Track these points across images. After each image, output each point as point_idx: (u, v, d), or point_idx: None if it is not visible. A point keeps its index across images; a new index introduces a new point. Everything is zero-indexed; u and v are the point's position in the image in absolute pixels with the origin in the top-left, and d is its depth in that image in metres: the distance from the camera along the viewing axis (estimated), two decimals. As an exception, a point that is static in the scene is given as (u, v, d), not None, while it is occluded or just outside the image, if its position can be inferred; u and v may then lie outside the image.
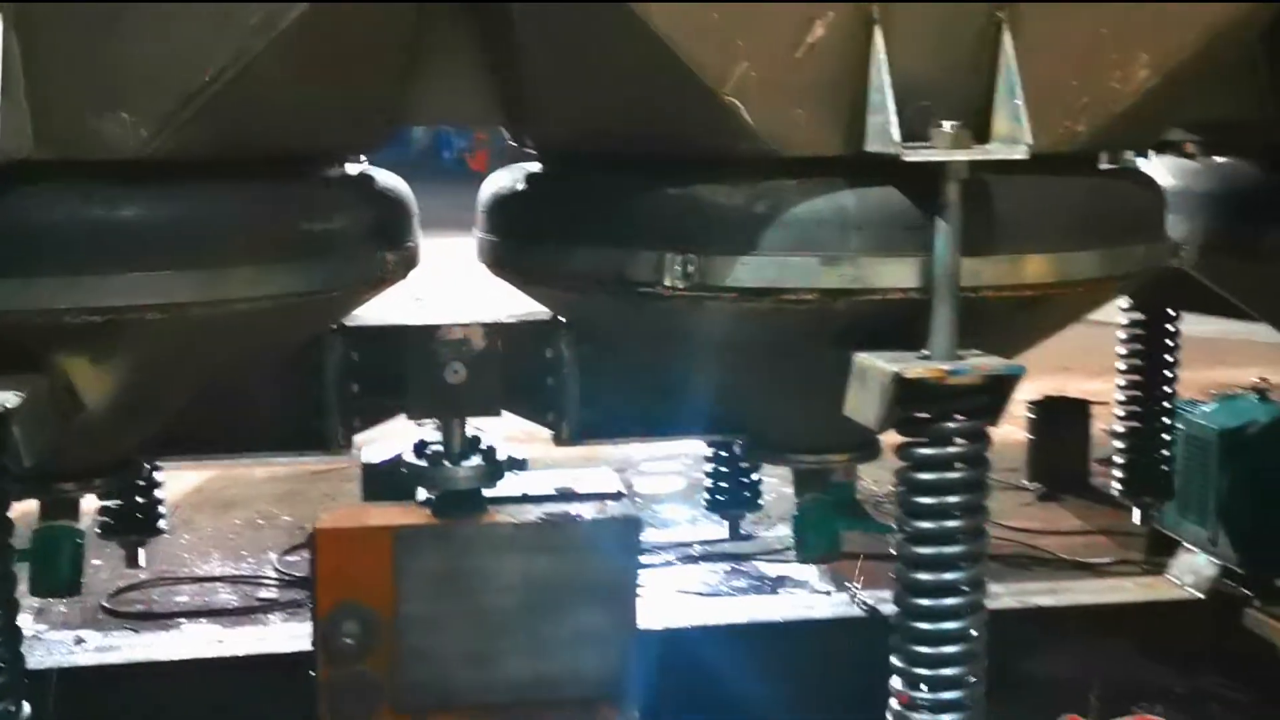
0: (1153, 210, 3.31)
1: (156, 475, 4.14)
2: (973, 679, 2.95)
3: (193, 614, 5.32)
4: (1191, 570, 4.84)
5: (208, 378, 3.19)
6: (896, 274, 2.85)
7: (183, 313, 2.77)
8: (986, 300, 2.91)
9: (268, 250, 2.85)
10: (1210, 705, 4.43)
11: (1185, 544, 4.94)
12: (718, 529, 6.11)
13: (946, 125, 2.72)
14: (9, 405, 2.52)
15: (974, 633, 2.94)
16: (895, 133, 2.70)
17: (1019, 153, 2.74)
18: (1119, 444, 4.79)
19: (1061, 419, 6.97)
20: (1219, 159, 3.91)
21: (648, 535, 6.37)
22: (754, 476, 4.63)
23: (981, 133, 2.79)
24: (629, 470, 7.31)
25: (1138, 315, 4.71)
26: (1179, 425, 4.83)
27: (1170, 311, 4.67)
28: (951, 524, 2.87)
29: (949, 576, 2.89)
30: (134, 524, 4.12)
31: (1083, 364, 7.04)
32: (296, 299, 2.91)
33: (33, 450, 2.62)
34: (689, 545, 6.16)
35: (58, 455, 3.06)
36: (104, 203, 2.70)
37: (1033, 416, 7.00)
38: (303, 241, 2.92)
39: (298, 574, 5.77)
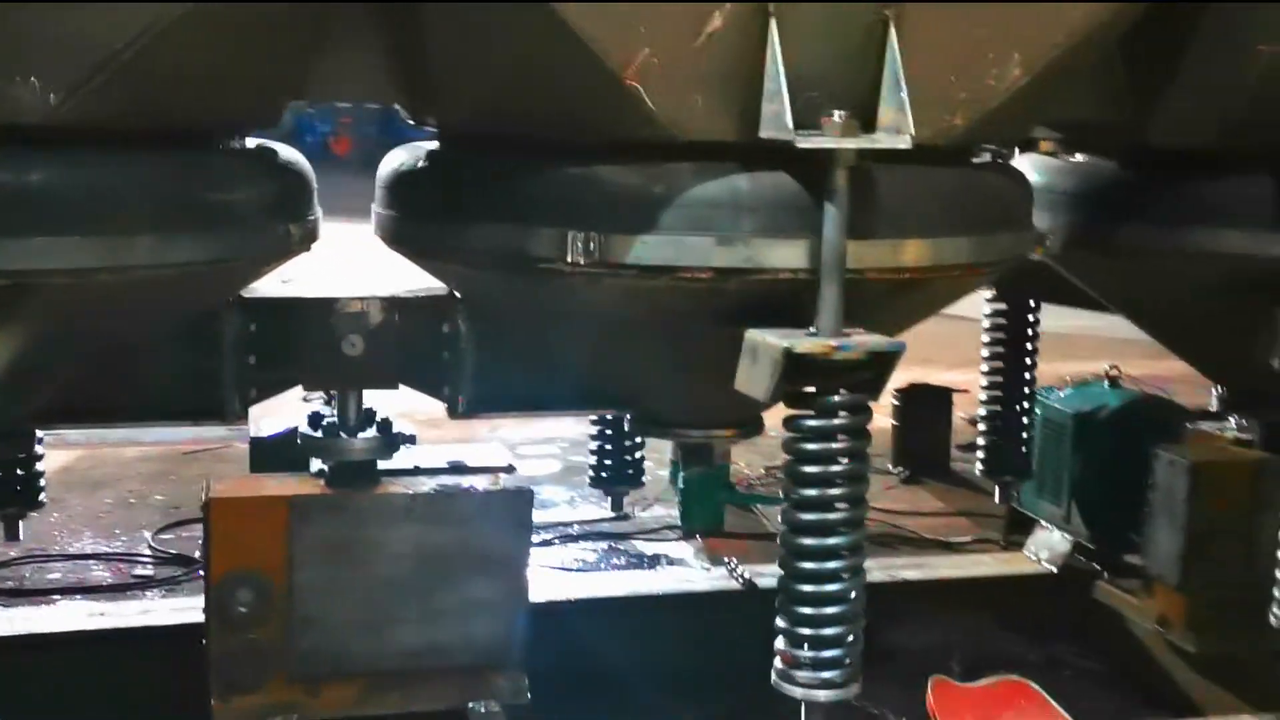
0: (1021, 203, 3.51)
1: (38, 449, 4.13)
2: (852, 639, 3.12)
3: (67, 590, 5.27)
4: (1047, 546, 5.11)
5: (106, 347, 3.21)
6: (786, 255, 3.00)
7: (89, 278, 2.79)
8: (869, 281, 3.08)
9: (173, 219, 2.88)
10: (1063, 671, 4.68)
11: (1041, 522, 5.21)
12: (596, 510, 6.30)
13: (836, 115, 2.87)
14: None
15: (854, 595, 3.11)
16: (789, 120, 2.84)
17: (903, 143, 2.90)
18: (981, 427, 5.03)
19: (925, 406, 7.24)
20: (1080, 157, 4.13)
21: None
22: (638, 455, 4.77)
23: (868, 123, 2.94)
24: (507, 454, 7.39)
25: (1001, 306, 4.95)
26: (1037, 410, 5.09)
27: (1031, 303, 4.93)
28: (834, 491, 3.04)
29: (831, 541, 3.05)
30: (14, 496, 4.09)
31: (944, 356, 7.31)
32: (201, 267, 2.95)
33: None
34: (568, 525, 6.27)
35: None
36: (11, 168, 2.72)
37: (898, 404, 7.25)
38: (208, 211, 2.96)
39: (173, 551, 5.75)
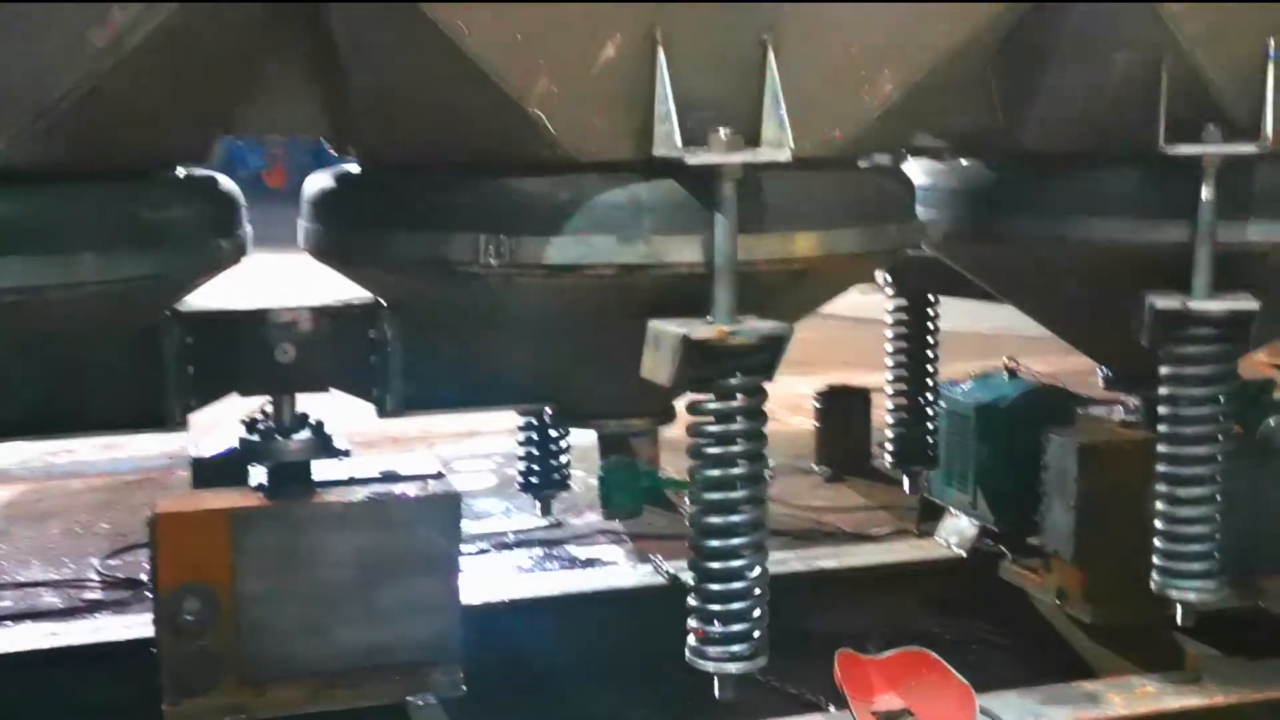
0: (903, 198, 3.79)
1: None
2: (758, 612, 3.38)
3: (18, 616, 5.42)
4: (956, 532, 5.40)
5: (56, 361, 3.42)
6: (684, 251, 3.23)
7: (40, 295, 3.01)
8: (762, 273, 3.34)
9: (113, 239, 3.10)
10: (973, 647, 4.96)
11: (950, 509, 5.50)
12: (531, 519, 6.52)
13: (722, 132, 3.14)
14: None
15: (758, 570, 3.37)
16: (678, 139, 3.10)
17: (783, 156, 3.15)
18: (889, 420, 5.33)
19: (845, 407, 7.53)
20: (964, 161, 4.44)
21: (466, 527, 6.68)
22: (563, 459, 5.03)
23: (754, 138, 3.22)
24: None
25: (902, 301, 5.26)
26: (941, 403, 5.39)
27: (930, 298, 5.23)
28: (735, 470, 3.28)
29: (734, 518, 3.30)
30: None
31: (864, 360, 7.63)
32: (142, 281, 3.17)
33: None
34: (504, 534, 6.49)
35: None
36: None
37: (819, 405, 7.55)
38: (144, 231, 3.18)
39: (121, 575, 5.92)
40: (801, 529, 6.46)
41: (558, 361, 3.75)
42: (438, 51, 3.07)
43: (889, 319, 5.29)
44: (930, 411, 5.31)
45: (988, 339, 8.03)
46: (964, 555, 5.31)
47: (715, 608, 3.35)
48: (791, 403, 8.39)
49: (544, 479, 4.97)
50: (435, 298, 3.59)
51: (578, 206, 3.25)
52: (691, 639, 3.40)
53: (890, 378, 5.33)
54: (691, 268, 3.25)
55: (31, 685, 4.45)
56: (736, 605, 3.35)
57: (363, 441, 4.34)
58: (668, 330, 3.19)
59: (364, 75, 3.35)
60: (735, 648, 3.36)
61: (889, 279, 5.25)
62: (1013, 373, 5.46)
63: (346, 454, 4.38)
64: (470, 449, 8.04)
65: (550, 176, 3.27)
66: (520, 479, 5.01)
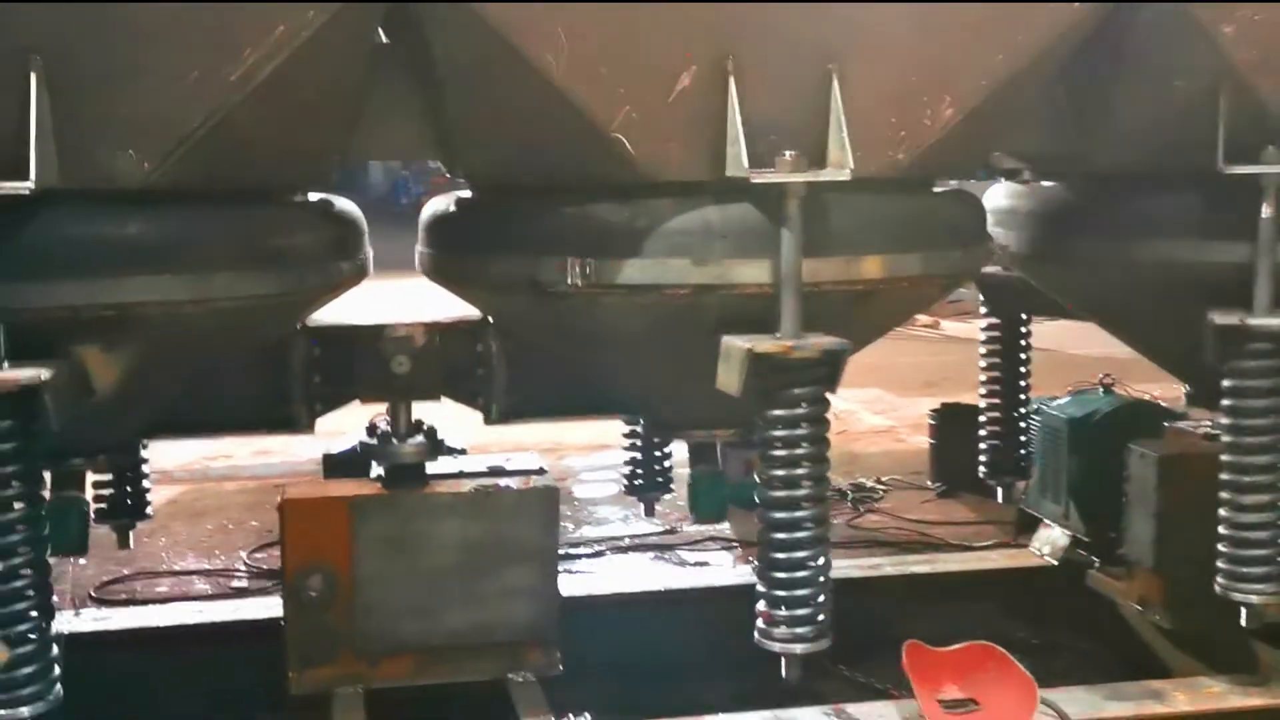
0: (970, 223, 4.03)
1: (144, 467, 4.80)
2: (821, 598, 3.64)
3: (172, 600, 5.93)
4: (1048, 542, 5.55)
5: (197, 368, 3.86)
6: (752, 272, 3.55)
7: (177, 309, 3.44)
8: (827, 293, 3.62)
9: (244, 260, 3.52)
10: (1060, 653, 5.11)
11: (1045, 520, 5.65)
12: (647, 525, 6.85)
13: (787, 154, 3.43)
14: (43, 377, 3.17)
15: (820, 561, 3.63)
16: (745, 161, 3.40)
17: (844, 176, 3.44)
18: (982, 433, 5.53)
19: (958, 425, 7.66)
20: (1045, 183, 4.64)
21: (586, 532, 7.06)
22: (666, 464, 5.33)
23: (820, 160, 3.51)
24: (569, 479, 7.99)
25: (995, 320, 5.46)
26: (1036, 417, 5.56)
27: (1022, 316, 5.42)
28: (800, 471, 3.56)
29: (799, 514, 3.58)
30: (125, 509, 4.76)
31: (953, 381, 7.75)
32: (269, 299, 3.58)
33: (59, 417, 3.27)
34: (620, 539, 6.83)
35: (69, 434, 3.73)
36: (114, 221, 3.37)
37: (933, 424, 7.71)
38: (273, 253, 3.60)
39: (265, 567, 6.40)
40: (906, 540, 6.65)
41: (643, 375, 4.07)
42: (529, 82, 3.43)
43: (982, 337, 5.49)
44: (1023, 426, 5.48)
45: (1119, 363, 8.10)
46: (1055, 564, 5.46)
47: (781, 594, 3.63)
48: (918, 422, 8.56)
49: (648, 482, 5.26)
50: (531, 315, 3.94)
51: (654, 231, 3.58)
52: (760, 622, 3.67)
53: (984, 393, 5.52)
54: (760, 288, 3.54)
55: (180, 656, 4.91)
56: (801, 592, 3.62)
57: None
58: (736, 345, 3.49)
59: (463, 104, 3.72)
60: (800, 630, 3.63)
61: (982, 300, 5.46)
62: (1108, 389, 5.59)
63: (462, 452, 4.78)
64: (598, 460, 8.39)
65: (630, 202, 3.59)
66: (625, 482, 5.31)
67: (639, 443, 5.25)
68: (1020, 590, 5.44)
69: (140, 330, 3.48)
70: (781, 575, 3.61)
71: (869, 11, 3.45)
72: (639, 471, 5.26)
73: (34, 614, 3.30)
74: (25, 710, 3.31)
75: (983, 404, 5.55)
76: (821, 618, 3.64)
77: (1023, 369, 5.47)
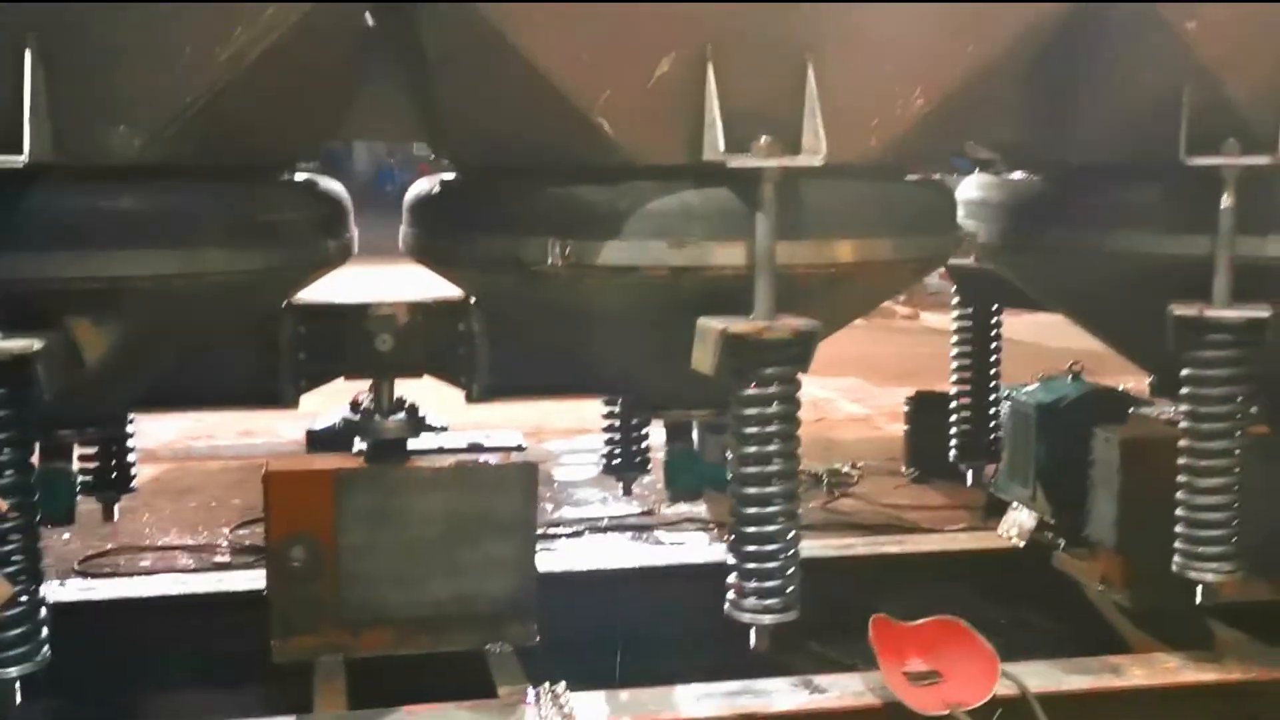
0: (941, 211, 4.15)
1: (130, 442, 4.89)
2: (790, 570, 3.75)
3: (155, 574, 6.02)
4: (1016, 524, 5.66)
5: (186, 342, 3.95)
6: (728, 255, 3.65)
7: (167, 283, 3.53)
8: (801, 276, 3.73)
9: (232, 235, 3.61)
10: (1025, 631, 5.24)
11: (1013, 504, 5.77)
12: (626, 508, 6.97)
13: (762, 139, 3.54)
14: (35, 347, 3.26)
15: (790, 535, 3.74)
16: (721, 144, 3.51)
17: (816, 161, 3.54)
18: (953, 419, 5.65)
19: (932, 412, 7.79)
20: (1016, 174, 4.76)
21: (565, 513, 7.17)
22: (644, 445, 5.44)
23: (795, 147, 3.62)
24: (549, 461, 8.10)
25: (966, 310, 5.58)
26: (1007, 403, 5.68)
27: (992, 308, 5.55)
28: (771, 448, 3.67)
29: (770, 489, 3.69)
30: (111, 483, 4.85)
31: (930, 371, 7.89)
32: (256, 274, 3.68)
33: (51, 388, 3.36)
34: (599, 520, 6.94)
35: (59, 406, 3.82)
36: (107, 195, 3.46)
37: (908, 411, 7.84)
38: (261, 229, 3.69)
39: (248, 543, 6.50)
40: (880, 523, 6.78)
41: (623, 354, 4.17)
42: (513, 67, 3.53)
43: (954, 325, 5.61)
44: (992, 412, 5.61)
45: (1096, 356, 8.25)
46: (1021, 546, 5.58)
47: (751, 566, 3.74)
48: (895, 411, 8.70)
49: (626, 462, 5.37)
50: (513, 295, 4.05)
51: (634, 213, 3.68)
52: (731, 594, 3.79)
53: (954, 380, 5.65)
54: (735, 270, 3.64)
55: (163, 625, 5.01)
56: (770, 565, 3.73)
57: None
58: (711, 325, 3.59)
59: (449, 86, 3.82)
60: (769, 601, 3.74)
61: (954, 289, 5.58)
62: (1076, 375, 5.71)
63: (444, 429, 4.88)
64: (579, 444, 8.49)
65: (611, 185, 3.69)
66: (604, 461, 5.42)
67: (617, 423, 5.38)
68: (988, 571, 5.56)
69: (129, 303, 3.57)
70: (752, 549, 3.72)
71: (845, 4, 3.56)
72: (617, 451, 5.38)
73: (23, 578, 3.39)
74: (13, 670, 3.41)
75: (953, 390, 5.67)
76: (790, 590, 3.76)
77: (993, 357, 5.61)
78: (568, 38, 3.49)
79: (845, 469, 8.01)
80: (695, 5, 3.49)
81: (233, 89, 3.43)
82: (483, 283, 4.15)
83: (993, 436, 5.65)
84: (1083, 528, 5.17)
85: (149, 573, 6.04)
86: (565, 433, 8.74)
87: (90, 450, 4.77)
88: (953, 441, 5.70)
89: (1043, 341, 9.58)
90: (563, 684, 4.03)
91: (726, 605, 3.80)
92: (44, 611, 3.52)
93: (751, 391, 3.66)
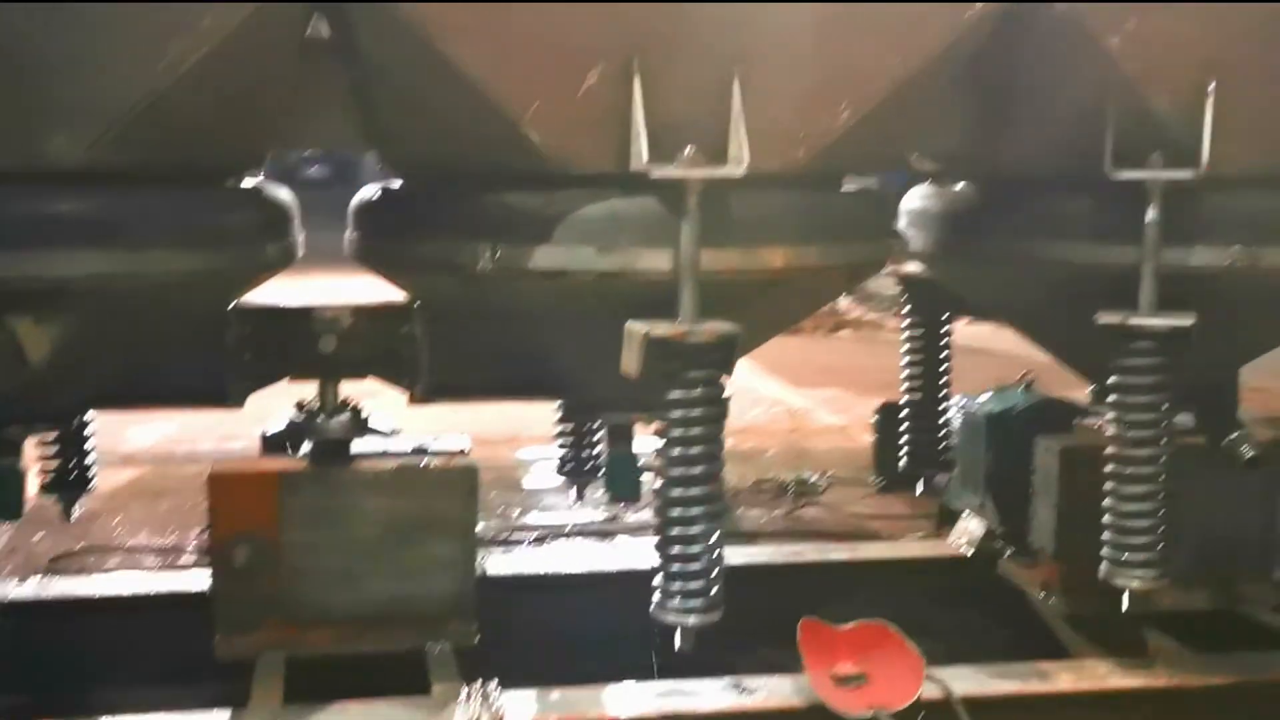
0: (873, 218, 4.23)
1: (89, 444, 4.99)
2: (715, 572, 3.82)
3: (111, 572, 6.11)
4: (966, 533, 5.74)
5: (130, 343, 4.04)
6: (655, 260, 3.74)
7: (106, 284, 3.62)
8: (729, 281, 3.81)
9: (170, 238, 3.70)
10: (972, 636, 5.30)
11: (965, 512, 5.85)
12: (592, 514, 7.05)
13: (686, 150, 3.63)
14: (-32, 345, 3.36)
15: (713, 538, 3.81)
16: (644, 155, 3.59)
17: (739, 172, 3.60)
18: (903, 428, 5.73)
19: (899, 423, 7.86)
20: (958, 185, 4.85)
21: (532, 518, 7.25)
22: (596, 450, 5.51)
23: (722, 157, 3.69)
24: (519, 469, 8.19)
25: (916, 319, 5.66)
26: (958, 413, 5.76)
27: (942, 316, 5.62)
28: (695, 450, 3.75)
29: (693, 492, 3.76)
30: (70, 482, 4.95)
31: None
32: (194, 276, 3.76)
33: (-11, 383, 3.46)
34: (563, 526, 7.02)
35: (8, 402, 3.93)
36: (47, 198, 3.56)
37: (875, 419, 7.89)
38: (198, 232, 3.78)
39: (215, 546, 6.58)
40: (840, 531, 6.85)
41: (560, 357, 4.26)
42: (443, 76, 3.61)
43: (904, 334, 5.69)
44: (941, 421, 5.69)
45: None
46: (969, 554, 5.65)
47: (676, 568, 3.81)
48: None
49: (577, 468, 5.45)
50: (451, 298, 4.14)
51: (563, 219, 3.76)
52: (656, 595, 3.86)
53: (905, 389, 5.72)
54: (661, 275, 3.73)
55: (120, 622, 5.11)
56: (694, 566, 3.80)
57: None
58: (636, 329, 3.67)
59: (383, 96, 3.92)
60: (693, 603, 3.82)
61: (904, 298, 5.66)
62: (1028, 386, 5.79)
63: (395, 433, 4.96)
64: (552, 451, 8.56)
65: (541, 192, 3.78)
66: (558, 466, 5.50)
67: (569, 428, 5.45)
68: (936, 578, 5.62)
69: (68, 303, 3.66)
70: (676, 550, 3.80)
71: (770, 18, 3.64)
72: (568, 455, 5.45)
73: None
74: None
75: (903, 399, 5.75)
76: (714, 591, 3.83)
77: (943, 366, 5.68)
78: (496, 48, 3.58)
79: (813, 478, 8.09)
80: (622, 16, 3.57)
81: (170, 97, 3.52)
82: (422, 286, 4.24)
83: (942, 446, 5.72)
84: (1026, 536, 5.25)
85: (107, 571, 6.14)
86: (543, 439, 8.80)
87: (49, 450, 4.88)
88: (903, 450, 5.77)
89: (1014, 351, 9.66)
90: (494, 682, 4.11)
91: (652, 607, 3.87)
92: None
93: (676, 394, 3.73)
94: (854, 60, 3.77)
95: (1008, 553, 5.44)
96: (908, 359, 5.71)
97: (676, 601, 3.82)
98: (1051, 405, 5.63)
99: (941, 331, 5.65)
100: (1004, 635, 5.25)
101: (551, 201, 3.78)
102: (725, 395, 3.82)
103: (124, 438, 9.24)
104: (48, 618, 5.07)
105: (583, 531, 6.90)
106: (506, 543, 6.77)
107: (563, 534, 6.93)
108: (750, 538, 6.84)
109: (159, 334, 4.14)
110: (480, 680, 4.13)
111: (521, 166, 3.76)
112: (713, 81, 3.67)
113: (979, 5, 3.79)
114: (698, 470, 3.77)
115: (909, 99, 3.96)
